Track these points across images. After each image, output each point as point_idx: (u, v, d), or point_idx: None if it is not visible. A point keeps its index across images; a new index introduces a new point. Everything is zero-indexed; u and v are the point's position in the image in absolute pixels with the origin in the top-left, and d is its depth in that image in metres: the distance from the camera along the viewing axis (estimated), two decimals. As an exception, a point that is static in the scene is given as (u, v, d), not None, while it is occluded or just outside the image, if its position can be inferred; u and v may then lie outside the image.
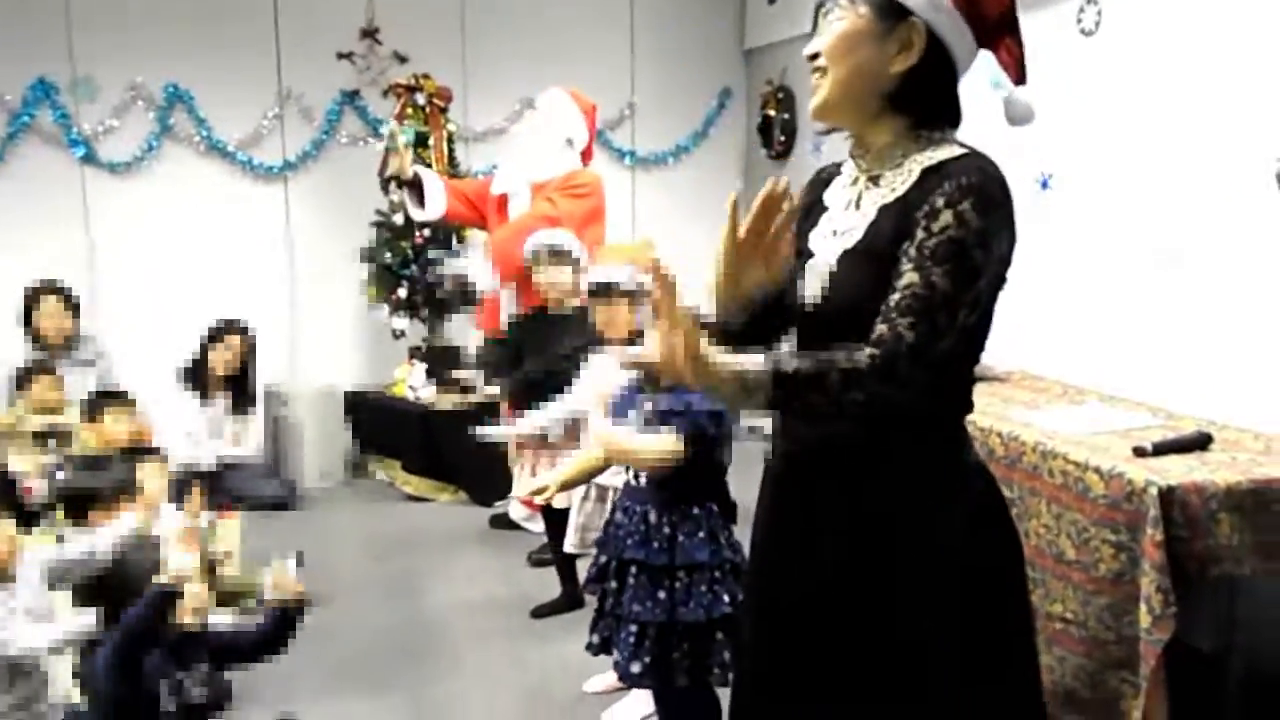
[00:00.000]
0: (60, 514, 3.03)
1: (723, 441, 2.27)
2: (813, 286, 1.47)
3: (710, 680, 2.29)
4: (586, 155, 4.23)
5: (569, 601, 3.50)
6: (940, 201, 1.33)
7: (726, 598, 2.22)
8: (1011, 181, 1.39)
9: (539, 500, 2.79)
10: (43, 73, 4.93)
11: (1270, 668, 2.32)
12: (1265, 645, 2.33)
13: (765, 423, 1.57)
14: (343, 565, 3.95)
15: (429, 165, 4.56)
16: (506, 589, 3.79)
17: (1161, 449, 2.37)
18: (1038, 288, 3.45)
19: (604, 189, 4.17)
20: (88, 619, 2.36)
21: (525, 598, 3.64)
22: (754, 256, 1.39)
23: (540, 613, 3.54)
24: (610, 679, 2.80)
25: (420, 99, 4.77)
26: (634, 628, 2.26)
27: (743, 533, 1.89)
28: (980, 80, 1.53)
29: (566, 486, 2.60)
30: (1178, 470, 2.24)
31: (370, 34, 5.20)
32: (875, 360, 1.29)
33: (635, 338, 2.90)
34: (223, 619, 2.75)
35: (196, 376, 4.66)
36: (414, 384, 4.99)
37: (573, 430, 3.20)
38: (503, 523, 4.45)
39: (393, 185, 4.35)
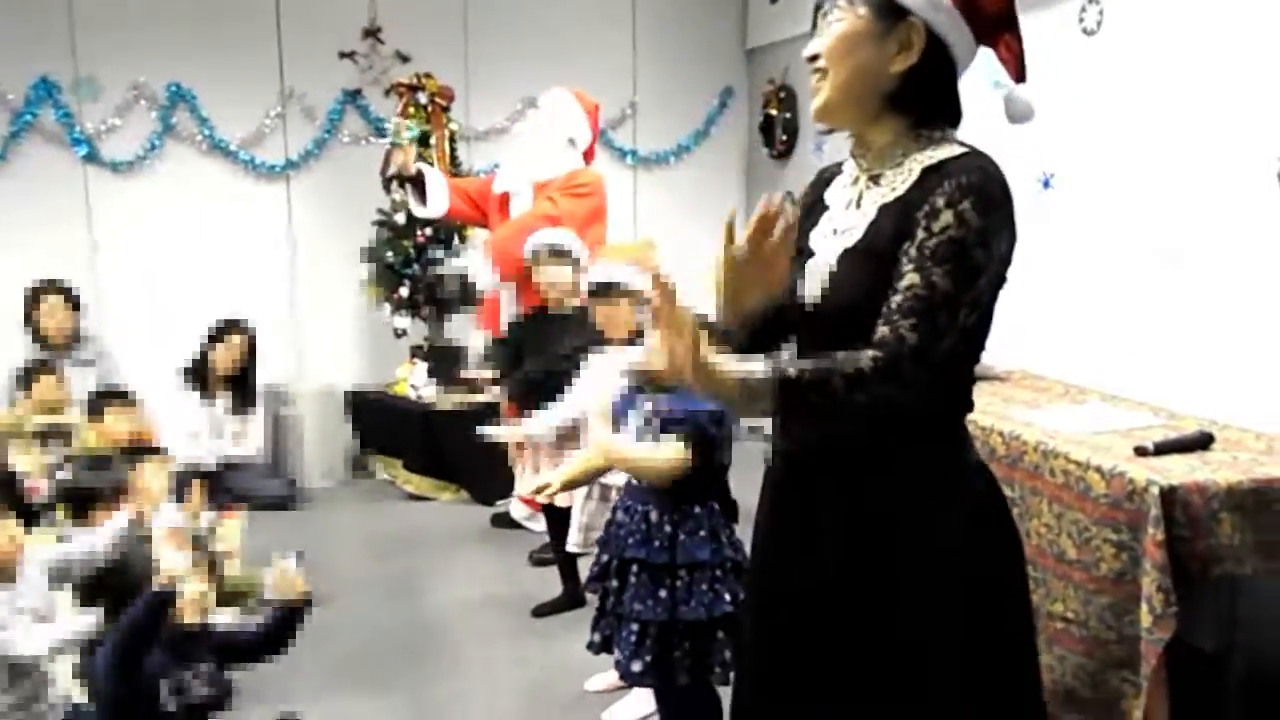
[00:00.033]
0: (62, 513, 3.03)
1: (724, 442, 2.27)
2: (813, 286, 1.47)
3: (711, 679, 2.29)
4: (588, 155, 4.23)
5: (570, 600, 3.50)
6: (940, 201, 1.33)
7: (728, 596, 2.22)
8: (1013, 181, 1.39)
9: (541, 499, 2.79)
10: (45, 72, 4.94)
11: (1271, 667, 2.32)
12: (1266, 645, 2.33)
13: (765, 423, 1.57)
14: (344, 564, 3.96)
15: (431, 164, 4.56)
16: (508, 588, 3.80)
17: (1163, 448, 2.37)
18: (1039, 287, 3.45)
19: (605, 189, 4.17)
20: (90, 619, 2.36)
21: (526, 596, 3.64)
22: (753, 272, 1.38)
23: (541, 611, 3.54)
24: (611, 678, 2.80)
25: (422, 98, 4.77)
26: (635, 626, 2.26)
27: (744, 531, 1.90)
28: (981, 80, 1.53)
29: (569, 486, 2.60)
30: (1179, 470, 2.24)
31: (372, 33, 5.20)
32: (878, 362, 1.29)
33: (635, 337, 2.91)
34: (225, 618, 2.75)
35: (198, 375, 4.67)
36: (415, 383, 5.00)
37: (574, 431, 3.20)
38: (504, 522, 4.46)
39: (394, 184, 4.35)
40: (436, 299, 5.05)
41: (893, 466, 1.43)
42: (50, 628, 2.32)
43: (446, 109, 4.92)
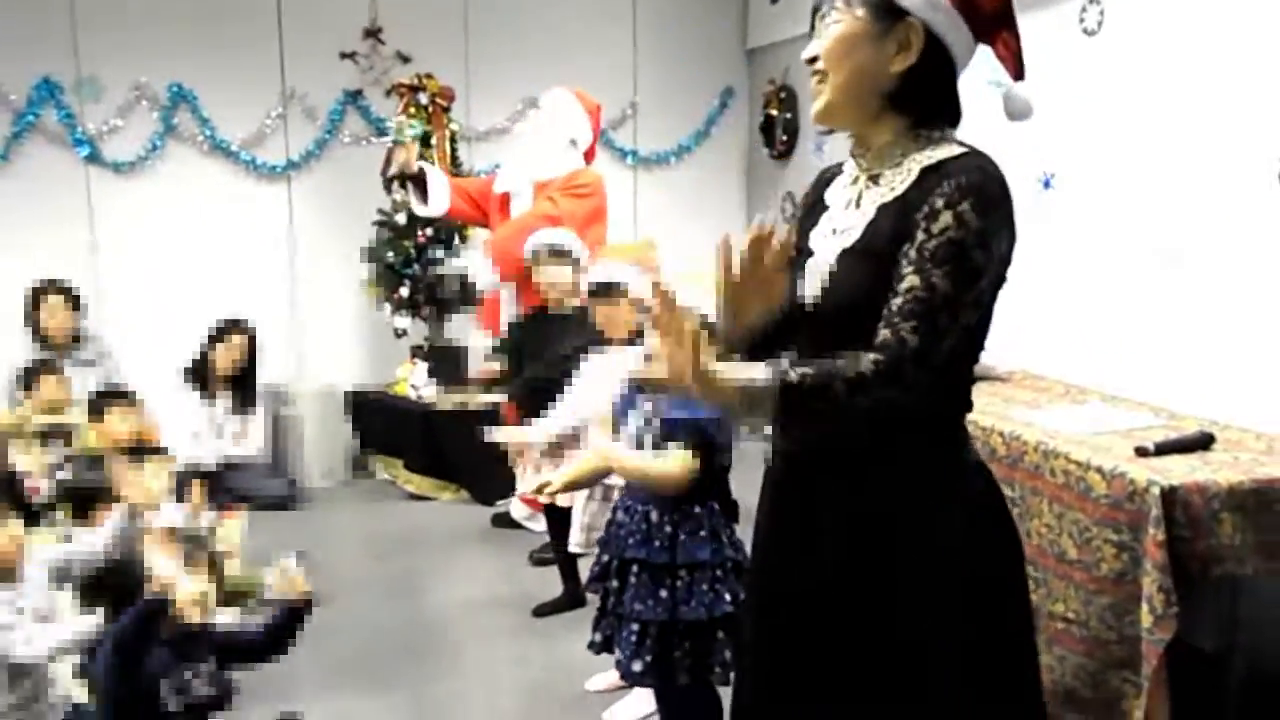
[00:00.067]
0: (64, 513, 3.04)
1: (727, 445, 2.27)
2: (812, 285, 1.47)
3: (711, 679, 2.29)
4: (589, 155, 4.23)
5: (570, 600, 3.51)
6: (940, 202, 1.34)
7: (728, 596, 2.23)
8: (1013, 181, 1.39)
9: (542, 498, 2.79)
10: (47, 72, 4.94)
11: (1272, 668, 2.32)
12: (1267, 645, 2.33)
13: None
14: (344, 564, 3.96)
15: (432, 165, 4.56)
16: (508, 587, 3.80)
17: (1163, 449, 2.37)
18: (1040, 287, 3.45)
19: (606, 189, 4.17)
20: (91, 621, 2.36)
21: (527, 596, 3.64)
22: (752, 289, 1.39)
23: (542, 611, 3.54)
24: (612, 677, 2.80)
25: (423, 99, 4.78)
26: (635, 626, 2.26)
27: (744, 531, 1.90)
28: (981, 80, 1.53)
29: (571, 487, 2.60)
30: (1180, 470, 2.24)
31: (373, 34, 5.21)
32: (879, 366, 1.30)
33: (636, 338, 2.91)
34: (226, 618, 2.75)
35: (199, 375, 4.67)
36: (416, 383, 5.00)
37: (576, 436, 3.19)
38: (504, 521, 4.46)
39: (395, 184, 4.35)
40: (437, 299, 5.06)
41: (892, 466, 1.43)
42: (52, 630, 2.31)
43: (447, 109, 4.93)
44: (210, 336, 4.71)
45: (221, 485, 4.20)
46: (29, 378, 4.05)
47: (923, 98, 1.42)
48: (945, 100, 1.45)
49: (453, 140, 5.00)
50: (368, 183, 5.04)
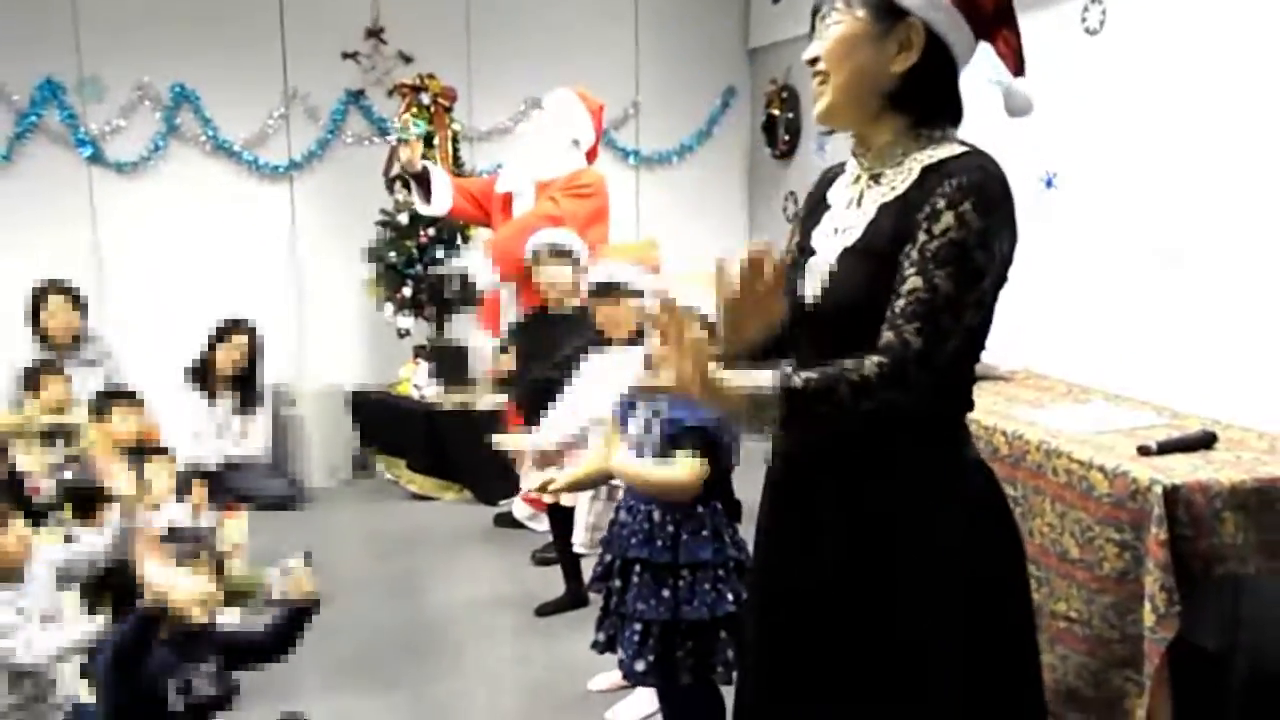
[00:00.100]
0: (67, 512, 3.04)
1: (733, 447, 2.27)
2: (813, 284, 1.47)
3: (714, 678, 2.29)
4: (592, 154, 4.24)
5: (573, 600, 3.51)
6: (941, 203, 1.34)
7: (730, 596, 2.23)
8: (1016, 180, 1.39)
9: (547, 497, 2.79)
10: (50, 72, 4.95)
11: (1274, 667, 2.32)
12: (1269, 644, 2.33)
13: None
14: (347, 563, 3.96)
15: (435, 164, 4.56)
16: (510, 587, 3.80)
17: (1166, 448, 2.37)
18: (1042, 287, 3.45)
19: (608, 189, 4.17)
20: (96, 623, 2.37)
21: (529, 596, 3.64)
22: (751, 308, 1.39)
23: (544, 611, 3.54)
24: (615, 677, 2.80)
25: (425, 99, 4.78)
26: (638, 626, 2.26)
27: (746, 530, 1.90)
28: (983, 79, 1.53)
29: (575, 488, 2.60)
30: (1182, 469, 2.24)
31: (375, 34, 5.21)
32: (883, 368, 1.30)
33: (637, 338, 2.91)
34: (230, 617, 2.76)
35: (202, 375, 4.68)
36: (418, 383, 5.00)
37: (581, 441, 3.18)
38: (507, 521, 4.46)
39: (397, 184, 4.35)
40: (439, 299, 5.06)
41: (893, 466, 1.43)
42: (53, 634, 2.31)
43: (449, 109, 4.93)
44: (212, 336, 4.71)
45: (223, 485, 4.21)
46: (31, 378, 4.06)
47: (924, 97, 1.42)
48: (946, 99, 1.45)
49: (455, 140, 5.00)
50: (370, 183, 5.06)
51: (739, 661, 2.12)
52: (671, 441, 2.23)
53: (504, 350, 3.80)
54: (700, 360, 1.25)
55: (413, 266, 4.99)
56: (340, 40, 5.16)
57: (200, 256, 5.16)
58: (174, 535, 2.42)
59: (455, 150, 5.00)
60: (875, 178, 1.45)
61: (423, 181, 4.21)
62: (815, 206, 1.56)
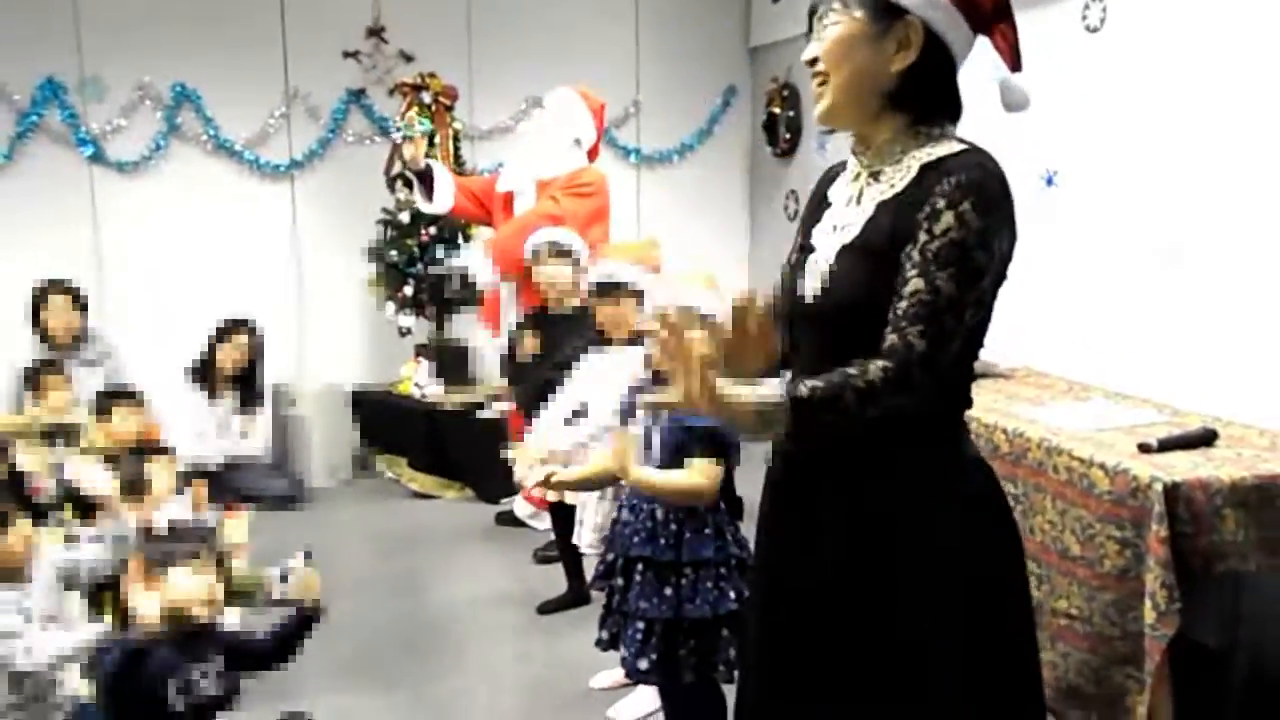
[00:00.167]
0: (68, 512, 3.05)
1: (738, 443, 2.27)
2: (813, 282, 1.47)
3: (716, 676, 2.29)
4: (593, 153, 4.24)
5: (575, 597, 3.51)
6: (941, 202, 1.34)
7: (732, 594, 2.23)
8: (1016, 178, 1.39)
9: (551, 495, 2.78)
10: (51, 72, 4.95)
11: (1275, 664, 2.32)
12: (1270, 641, 2.34)
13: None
14: (349, 562, 3.96)
15: (437, 162, 4.56)
16: (512, 585, 3.80)
17: (1166, 445, 2.37)
18: (1043, 284, 3.45)
19: (609, 188, 4.17)
20: (97, 629, 2.36)
21: (531, 594, 3.65)
22: (746, 347, 1.40)
23: (546, 609, 3.54)
24: (616, 675, 2.81)
25: (426, 98, 4.78)
26: (641, 624, 2.26)
27: (748, 529, 1.90)
28: (985, 78, 1.53)
29: (582, 486, 2.59)
30: (1183, 466, 2.25)
31: (376, 33, 5.21)
32: (888, 373, 1.30)
33: (637, 337, 2.91)
34: (233, 617, 2.75)
35: (204, 374, 4.68)
36: (420, 381, 5.01)
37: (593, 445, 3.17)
38: (508, 520, 4.47)
39: (399, 183, 4.35)
40: (440, 298, 5.06)
41: (892, 466, 1.43)
42: (54, 638, 2.31)
43: (450, 108, 4.93)
44: (213, 336, 4.71)
45: (225, 484, 4.21)
46: (33, 377, 4.06)
47: (923, 95, 1.42)
48: (945, 97, 1.45)
49: (456, 139, 5.00)
50: (371, 182, 5.06)
51: (740, 660, 2.12)
52: (681, 448, 2.22)
53: (530, 331, 3.74)
54: (706, 376, 1.25)
55: (414, 265, 4.99)
56: (341, 39, 5.17)
57: (201, 256, 5.16)
58: (176, 533, 2.42)
59: (456, 149, 5.00)
60: (874, 175, 1.46)
61: (425, 180, 4.21)
62: (817, 204, 1.56)
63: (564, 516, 3.36)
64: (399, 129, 4.54)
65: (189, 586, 2.08)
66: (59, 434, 3.74)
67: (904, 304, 1.33)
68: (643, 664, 2.27)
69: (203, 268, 5.15)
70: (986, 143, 1.41)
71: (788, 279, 1.54)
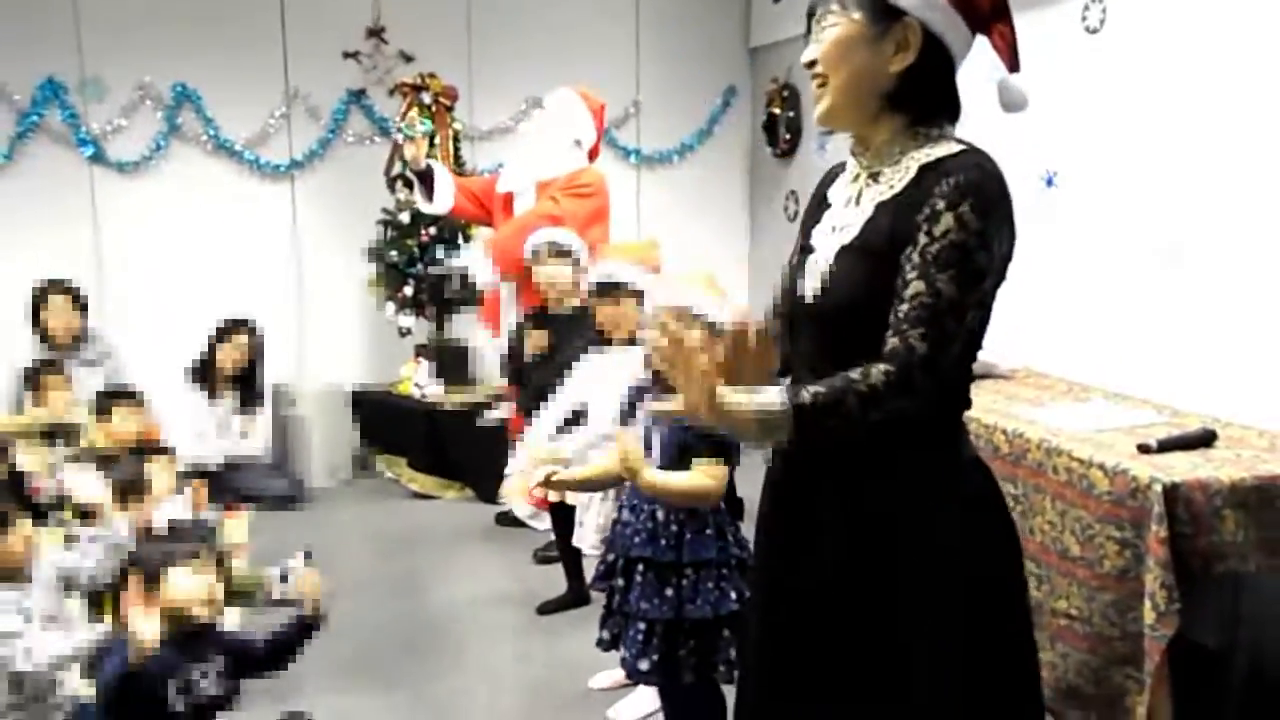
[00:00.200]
0: (68, 513, 3.05)
1: (737, 445, 2.27)
2: (812, 283, 1.47)
3: (716, 677, 2.29)
4: (593, 153, 4.24)
5: (575, 598, 3.51)
6: (940, 204, 1.34)
7: (733, 595, 2.23)
8: (1016, 179, 1.40)
9: (553, 495, 2.78)
10: (51, 72, 4.95)
11: (1274, 664, 2.32)
12: (1269, 642, 2.34)
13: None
14: (349, 562, 3.96)
15: (438, 163, 4.56)
16: (512, 585, 3.80)
17: (1166, 446, 2.37)
18: (1043, 285, 3.45)
19: (609, 189, 4.17)
20: (97, 631, 2.36)
21: (531, 594, 3.65)
22: (745, 366, 1.38)
23: (546, 609, 3.54)
24: (616, 675, 2.81)
25: (426, 98, 4.78)
26: (642, 625, 2.26)
27: (747, 529, 1.90)
28: (984, 79, 1.54)
29: (584, 487, 2.59)
30: (1182, 467, 2.25)
31: (376, 33, 5.21)
32: (890, 376, 1.30)
33: (637, 338, 2.91)
34: (233, 618, 2.75)
35: (204, 374, 4.68)
36: (420, 382, 5.01)
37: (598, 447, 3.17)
38: (508, 520, 4.46)
39: (399, 183, 4.34)
40: (440, 298, 5.07)
41: (892, 466, 1.43)
42: (53, 641, 2.31)
43: (450, 109, 4.93)
44: (213, 336, 4.71)
45: (225, 484, 4.21)
46: (33, 378, 4.06)
47: (922, 96, 1.42)
48: (944, 97, 1.45)
49: (456, 140, 5.00)
50: (371, 182, 5.07)
51: (740, 660, 2.13)
52: (682, 449, 2.22)
53: (537, 326, 3.73)
54: (708, 385, 1.25)
55: (414, 265, 4.99)
56: (341, 40, 5.17)
57: (201, 256, 5.17)
58: (176, 533, 2.42)
59: (456, 149, 5.01)
60: (874, 176, 1.46)
61: (425, 180, 4.22)
62: (817, 205, 1.56)
63: (564, 517, 3.36)
64: (399, 129, 4.54)
65: (189, 586, 2.08)
66: (59, 434, 3.74)
67: (905, 306, 1.33)
68: (643, 664, 2.27)
69: (203, 268, 5.15)
70: (986, 143, 1.42)
71: (788, 279, 1.55)
